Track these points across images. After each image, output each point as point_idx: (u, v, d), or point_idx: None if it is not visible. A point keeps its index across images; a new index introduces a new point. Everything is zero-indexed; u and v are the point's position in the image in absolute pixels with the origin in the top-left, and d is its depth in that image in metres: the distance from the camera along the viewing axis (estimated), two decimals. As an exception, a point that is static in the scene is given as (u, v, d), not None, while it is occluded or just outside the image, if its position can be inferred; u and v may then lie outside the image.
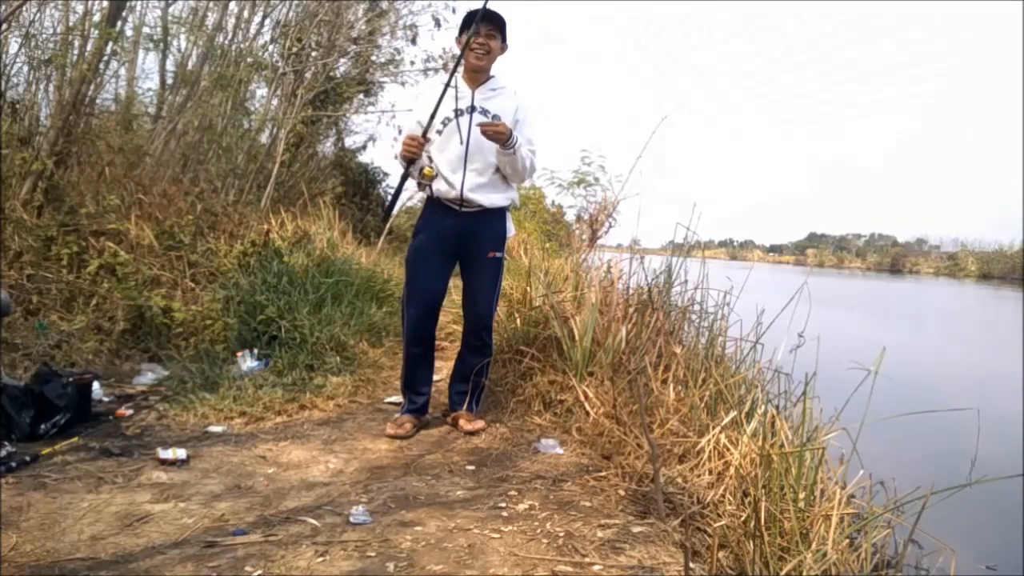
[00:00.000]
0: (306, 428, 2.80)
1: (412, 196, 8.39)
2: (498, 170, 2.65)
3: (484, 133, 2.48)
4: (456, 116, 2.61)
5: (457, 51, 2.65)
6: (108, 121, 4.96)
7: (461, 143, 2.60)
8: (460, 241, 2.69)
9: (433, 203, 2.69)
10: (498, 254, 2.75)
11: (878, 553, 2.06)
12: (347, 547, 1.73)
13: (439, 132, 2.61)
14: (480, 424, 2.78)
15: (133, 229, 4.14)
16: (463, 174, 2.61)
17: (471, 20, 2.57)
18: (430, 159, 2.63)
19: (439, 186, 2.62)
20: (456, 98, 2.62)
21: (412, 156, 2.51)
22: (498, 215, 2.73)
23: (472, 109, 2.62)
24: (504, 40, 2.65)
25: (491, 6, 2.52)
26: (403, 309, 2.79)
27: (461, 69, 2.65)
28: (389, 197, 2.91)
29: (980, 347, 9.00)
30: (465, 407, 2.84)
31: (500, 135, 2.47)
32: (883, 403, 2.13)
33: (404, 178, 2.62)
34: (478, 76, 2.65)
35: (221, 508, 1.96)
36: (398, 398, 3.28)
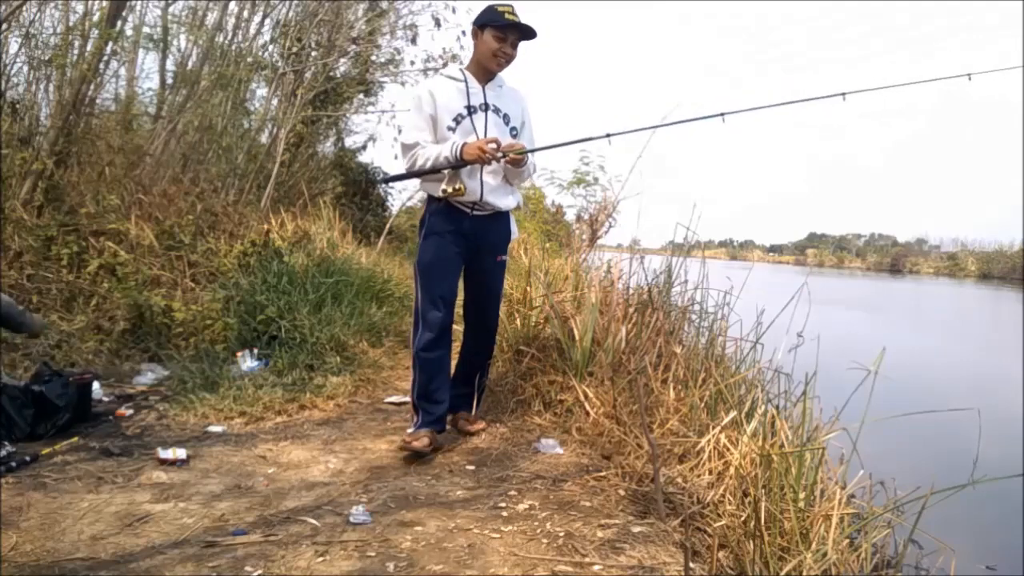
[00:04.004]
0: (306, 428, 2.80)
1: (412, 196, 8.38)
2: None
3: (509, 162, 2.47)
4: (470, 113, 2.51)
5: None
6: (108, 121, 4.96)
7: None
8: (470, 243, 2.61)
9: (442, 206, 2.57)
10: (504, 257, 2.73)
11: (878, 553, 2.06)
12: (347, 547, 1.73)
13: (451, 129, 2.49)
14: (481, 425, 2.77)
15: (133, 229, 4.14)
16: (480, 178, 2.51)
17: (500, 19, 2.44)
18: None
19: (454, 189, 2.50)
20: (468, 94, 2.52)
21: (487, 162, 2.41)
22: (506, 216, 2.70)
23: (486, 107, 2.53)
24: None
25: (503, 7, 2.45)
26: (417, 316, 2.62)
27: (468, 64, 2.58)
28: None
29: (980, 347, 8.99)
30: (473, 411, 2.83)
31: (522, 163, 2.49)
32: (883, 403, 2.13)
33: (445, 169, 2.44)
34: (488, 73, 2.56)
35: (221, 508, 1.96)
36: (398, 398, 3.27)
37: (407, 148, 2.49)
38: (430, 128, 2.49)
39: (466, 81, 2.53)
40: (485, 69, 2.54)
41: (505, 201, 2.62)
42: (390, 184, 10.11)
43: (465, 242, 2.60)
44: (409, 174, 2.54)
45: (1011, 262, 31.65)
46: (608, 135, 2.52)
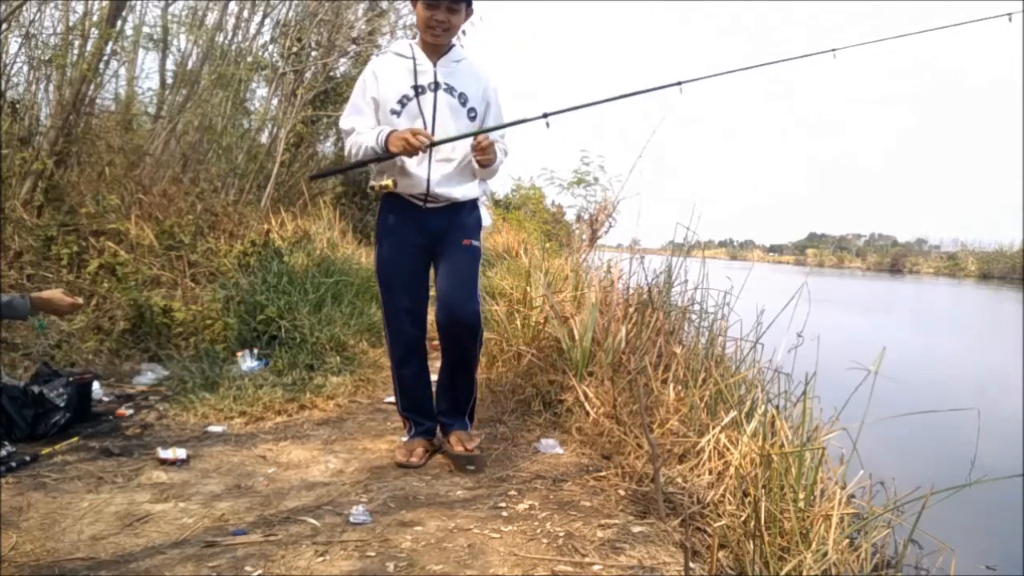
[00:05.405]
0: (306, 428, 2.80)
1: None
2: (465, 155, 2.29)
3: (480, 163, 2.22)
4: (417, 94, 2.23)
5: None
6: (108, 121, 4.96)
7: (425, 127, 2.21)
8: (429, 240, 2.32)
9: (392, 200, 2.30)
10: (474, 242, 2.35)
11: (878, 553, 2.07)
12: (347, 547, 1.73)
13: (396, 112, 2.21)
14: (476, 442, 2.43)
15: (133, 229, 4.14)
16: (428, 166, 2.23)
17: None
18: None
19: (401, 180, 2.24)
20: (415, 72, 2.24)
21: (413, 154, 2.13)
22: (470, 206, 2.38)
23: (436, 86, 2.24)
24: (470, 6, 2.25)
25: None
26: (385, 327, 2.42)
27: (418, 39, 2.31)
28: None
29: (980, 347, 9.00)
30: (465, 429, 2.49)
31: (490, 159, 2.22)
32: (883, 403, 2.13)
33: (376, 162, 2.20)
34: (438, 48, 2.28)
35: (221, 508, 1.96)
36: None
37: (345, 134, 2.28)
38: (371, 111, 2.25)
39: (414, 58, 2.26)
40: (431, 44, 2.26)
41: (461, 191, 2.30)
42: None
43: (423, 240, 2.32)
44: (338, 169, 2.34)
45: (1011, 262, 31.66)
46: (545, 115, 2.21)
